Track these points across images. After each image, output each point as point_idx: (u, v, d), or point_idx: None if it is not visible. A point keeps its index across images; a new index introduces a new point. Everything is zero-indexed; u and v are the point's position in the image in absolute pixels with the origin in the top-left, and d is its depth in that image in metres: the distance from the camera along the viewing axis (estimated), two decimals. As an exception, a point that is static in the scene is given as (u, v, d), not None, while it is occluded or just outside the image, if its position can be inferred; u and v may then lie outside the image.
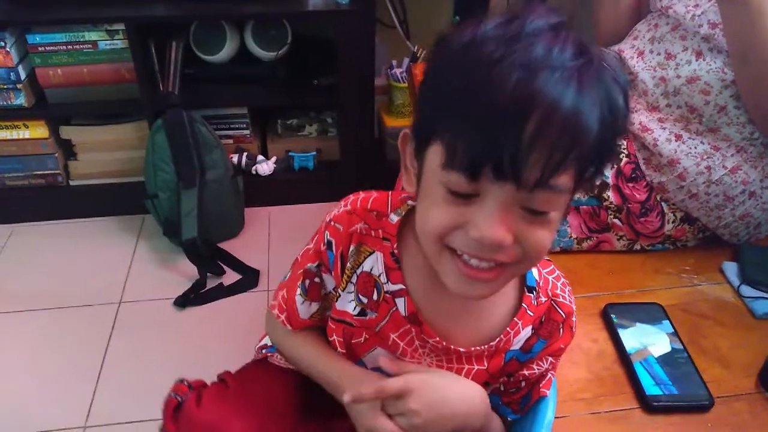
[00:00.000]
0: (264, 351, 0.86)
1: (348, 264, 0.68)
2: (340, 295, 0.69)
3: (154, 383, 1.42)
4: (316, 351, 0.74)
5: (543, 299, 0.68)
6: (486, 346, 0.66)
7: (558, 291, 0.69)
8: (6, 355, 1.50)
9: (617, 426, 0.82)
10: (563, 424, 0.81)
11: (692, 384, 0.86)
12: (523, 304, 0.66)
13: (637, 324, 0.95)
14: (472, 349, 0.67)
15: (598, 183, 1.04)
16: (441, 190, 0.52)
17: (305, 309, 0.73)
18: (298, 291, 0.73)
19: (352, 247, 0.67)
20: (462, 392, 0.66)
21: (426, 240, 0.56)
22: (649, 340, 0.92)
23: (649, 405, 0.83)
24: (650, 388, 0.85)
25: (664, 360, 0.89)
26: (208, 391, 0.76)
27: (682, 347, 0.91)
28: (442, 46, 0.53)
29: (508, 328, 0.66)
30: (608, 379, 0.88)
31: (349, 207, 0.68)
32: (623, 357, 0.90)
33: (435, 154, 0.52)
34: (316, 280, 0.72)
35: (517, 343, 0.67)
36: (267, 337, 0.88)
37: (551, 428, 0.72)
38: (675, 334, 0.93)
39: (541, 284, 0.68)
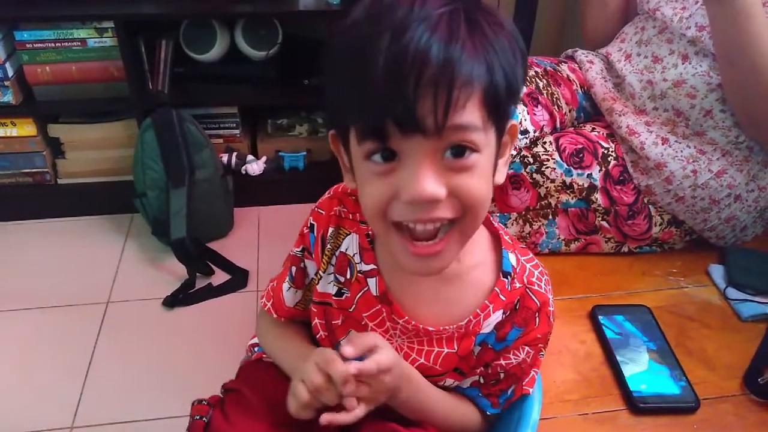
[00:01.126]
0: (256, 349, 0.87)
1: (328, 245, 0.71)
2: (321, 277, 0.72)
3: (142, 383, 1.42)
4: (296, 345, 0.76)
5: (517, 285, 0.69)
6: (455, 326, 0.68)
7: (534, 279, 0.70)
8: (-8, 354, 1.49)
9: (604, 427, 0.83)
10: (550, 425, 0.82)
11: (678, 385, 0.87)
12: (496, 288, 0.68)
13: (625, 325, 0.96)
14: (441, 329, 0.68)
15: (585, 186, 1.05)
16: (367, 167, 0.55)
17: (291, 296, 0.77)
18: (287, 278, 0.76)
19: (331, 229, 0.70)
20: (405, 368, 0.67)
21: (373, 223, 0.59)
22: (636, 342, 0.93)
23: (635, 406, 0.84)
24: (637, 390, 0.86)
25: (651, 362, 0.90)
26: (230, 405, 0.75)
27: (668, 349, 0.92)
28: (332, 40, 0.57)
29: (478, 310, 0.67)
30: (595, 381, 0.89)
31: (331, 193, 0.72)
32: (610, 358, 0.91)
33: (353, 136, 0.55)
34: (302, 266, 0.75)
35: (488, 326, 0.68)
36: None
37: (536, 428, 0.72)
38: (662, 335, 0.94)
39: (517, 270, 0.69)
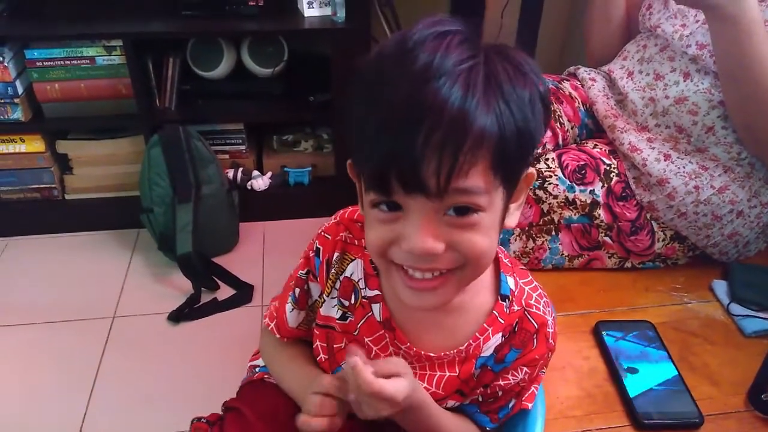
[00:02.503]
0: (257, 370, 0.87)
1: (333, 270, 0.71)
2: (325, 301, 0.72)
3: (147, 398, 1.43)
4: (299, 367, 0.77)
5: (516, 308, 0.69)
6: (455, 351, 0.68)
7: (532, 302, 0.70)
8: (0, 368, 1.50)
9: (608, 444, 0.83)
10: (554, 441, 0.82)
11: (682, 402, 0.87)
12: (494, 312, 0.68)
13: (628, 341, 0.96)
14: (443, 354, 0.68)
15: (588, 202, 1.05)
16: (372, 212, 0.56)
17: (294, 317, 0.77)
18: (289, 299, 0.76)
19: (336, 254, 0.71)
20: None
21: (375, 258, 0.60)
22: (639, 358, 0.93)
23: (639, 423, 0.84)
24: (641, 406, 0.85)
25: (655, 378, 0.90)
26: (229, 424, 0.76)
27: (672, 365, 0.92)
28: (355, 79, 0.55)
29: (477, 333, 0.68)
30: (599, 397, 0.89)
31: (337, 219, 0.73)
32: (614, 374, 0.91)
33: (364, 179, 0.55)
34: (306, 287, 0.75)
35: (487, 350, 0.69)
36: (260, 356, 0.89)
37: (540, 445, 0.73)
38: (665, 351, 0.94)
39: (515, 293, 0.69)
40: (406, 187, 0.51)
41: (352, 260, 0.70)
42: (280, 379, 0.80)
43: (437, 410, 0.70)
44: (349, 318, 0.71)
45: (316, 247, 0.72)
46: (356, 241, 0.70)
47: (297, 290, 0.76)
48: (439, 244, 0.53)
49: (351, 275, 0.70)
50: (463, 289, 0.61)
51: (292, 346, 0.80)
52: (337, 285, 0.71)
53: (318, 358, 0.75)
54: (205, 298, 1.69)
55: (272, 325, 0.79)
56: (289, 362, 0.79)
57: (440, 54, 0.49)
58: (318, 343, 0.75)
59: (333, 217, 0.74)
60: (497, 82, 0.50)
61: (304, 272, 0.74)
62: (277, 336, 0.79)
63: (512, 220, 0.60)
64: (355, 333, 0.71)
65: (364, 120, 0.52)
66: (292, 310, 0.76)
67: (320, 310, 0.73)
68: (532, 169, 0.59)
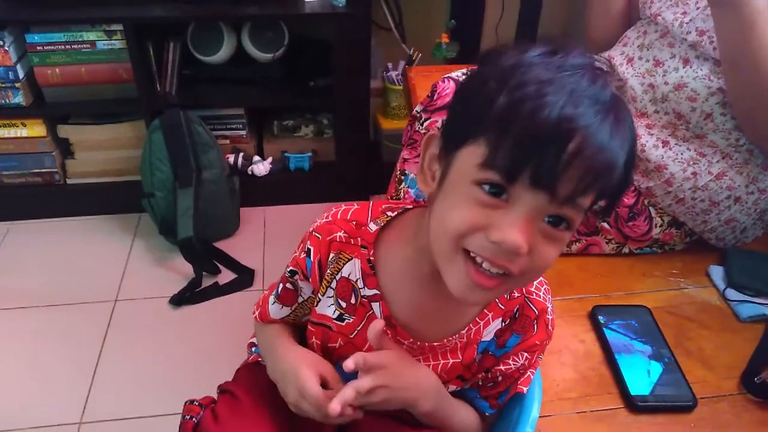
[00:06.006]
0: (254, 350, 0.88)
1: (328, 270, 0.71)
2: (320, 300, 0.73)
3: (149, 380, 1.44)
4: (279, 340, 0.78)
5: (516, 294, 0.70)
6: (457, 336, 0.70)
7: (533, 289, 0.71)
8: (2, 351, 1.51)
9: (602, 425, 0.84)
10: (549, 422, 0.83)
11: (676, 385, 0.88)
12: (495, 298, 0.69)
13: (625, 326, 0.97)
14: (445, 341, 0.70)
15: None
16: (470, 190, 0.54)
17: (275, 310, 0.79)
18: (274, 292, 0.78)
19: (331, 255, 0.71)
20: (414, 378, 0.69)
21: (441, 238, 0.58)
22: (635, 342, 0.94)
23: (634, 405, 0.85)
24: (635, 389, 0.87)
25: (650, 361, 0.91)
26: (221, 406, 0.77)
27: (667, 349, 0.93)
28: (487, 61, 0.57)
29: (477, 318, 0.69)
30: (594, 379, 0.90)
31: (330, 218, 0.72)
32: (610, 358, 0.92)
33: (471, 154, 0.54)
34: (288, 286, 0.76)
35: (488, 334, 0.70)
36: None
37: (536, 426, 0.74)
38: (661, 335, 0.95)
39: None
40: (537, 184, 0.51)
41: (349, 260, 0.70)
42: (265, 357, 0.81)
43: (451, 399, 0.74)
44: (347, 320, 0.71)
45: (307, 248, 0.72)
46: (352, 241, 0.70)
47: (280, 286, 0.77)
48: (526, 246, 0.54)
49: (349, 275, 0.70)
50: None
51: (276, 326, 0.81)
52: (333, 285, 0.71)
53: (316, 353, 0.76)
54: (206, 282, 1.71)
55: (256, 313, 0.82)
56: (271, 341, 0.80)
57: (600, 84, 0.53)
58: (313, 339, 0.76)
59: (324, 215, 0.73)
60: (630, 124, 0.55)
61: (290, 270, 0.75)
62: (259, 321, 0.82)
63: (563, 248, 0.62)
64: (352, 335, 0.72)
65: (504, 107, 0.52)
66: (274, 303, 0.78)
67: (315, 308, 0.74)
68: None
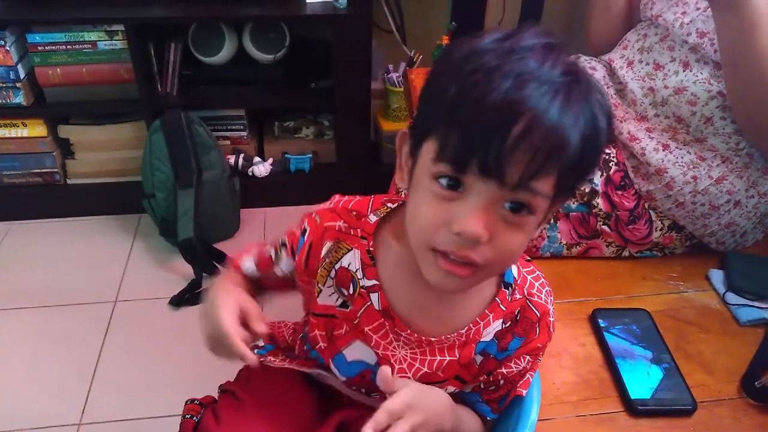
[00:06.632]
0: (257, 352, 0.88)
1: (327, 260, 0.71)
2: (321, 291, 0.73)
3: (148, 381, 1.44)
4: (224, 281, 0.79)
5: (518, 296, 0.70)
6: (456, 334, 0.69)
7: (534, 291, 0.71)
8: (2, 352, 1.51)
9: (602, 429, 0.84)
10: (549, 426, 0.83)
11: (676, 389, 0.88)
12: (497, 299, 0.69)
13: (624, 329, 0.97)
14: (443, 338, 0.70)
15: (587, 191, 1.06)
16: (430, 185, 0.56)
17: (248, 265, 0.80)
18: (255, 251, 0.80)
19: (330, 243, 0.71)
20: (434, 398, 0.69)
21: (412, 236, 0.60)
22: (635, 345, 0.94)
23: (634, 409, 0.85)
24: (635, 392, 0.87)
25: (650, 365, 0.91)
26: (222, 407, 0.77)
27: (667, 352, 0.93)
28: (444, 55, 0.58)
29: (478, 318, 0.69)
30: (594, 383, 0.90)
31: (332, 205, 0.73)
32: (610, 361, 0.92)
33: (428, 149, 0.55)
34: (272, 253, 0.78)
35: (487, 335, 0.70)
36: (261, 338, 0.90)
37: (534, 429, 0.74)
38: (661, 339, 0.95)
39: (518, 282, 0.71)
40: (485, 172, 0.51)
41: (349, 250, 0.70)
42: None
43: (458, 409, 0.74)
44: (350, 306, 0.72)
45: (304, 227, 0.73)
46: (352, 231, 0.70)
47: (265, 248, 0.79)
48: (486, 233, 0.54)
49: (348, 265, 0.70)
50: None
51: (238, 275, 0.81)
52: (332, 274, 0.71)
53: (317, 347, 0.76)
54: (207, 283, 1.71)
55: (234, 257, 0.82)
56: (223, 280, 0.80)
57: (549, 63, 0.52)
58: (316, 332, 0.75)
59: (329, 201, 0.74)
60: (589, 102, 0.53)
61: (281, 242, 0.77)
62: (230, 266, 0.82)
63: (535, 233, 0.61)
64: (356, 321, 0.72)
65: (459, 102, 0.52)
66: (251, 259, 0.80)
67: (317, 299, 0.73)
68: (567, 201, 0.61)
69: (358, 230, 0.70)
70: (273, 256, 0.77)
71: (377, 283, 0.69)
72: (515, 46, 0.52)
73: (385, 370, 0.65)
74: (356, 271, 0.70)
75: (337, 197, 0.74)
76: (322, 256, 0.72)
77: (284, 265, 0.77)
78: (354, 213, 0.71)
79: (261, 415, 0.75)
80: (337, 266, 0.71)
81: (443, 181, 0.54)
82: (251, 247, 0.82)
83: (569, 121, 0.51)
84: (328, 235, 0.71)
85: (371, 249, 0.69)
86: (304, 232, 0.73)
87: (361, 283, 0.70)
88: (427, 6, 2.02)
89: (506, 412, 0.78)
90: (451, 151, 0.53)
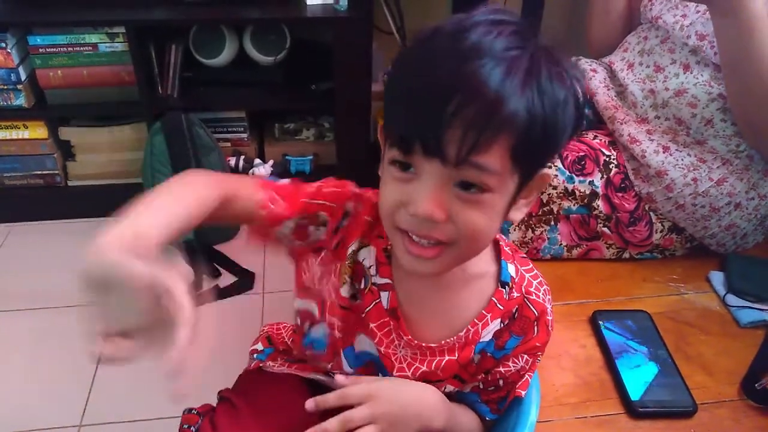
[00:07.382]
0: (255, 357, 0.88)
1: (349, 251, 0.71)
2: (346, 281, 0.71)
3: (149, 383, 1.43)
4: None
5: (515, 295, 0.70)
6: (455, 338, 0.70)
7: (532, 289, 0.71)
8: (2, 353, 1.51)
9: (602, 431, 0.84)
10: (549, 428, 0.83)
11: (677, 390, 0.88)
12: (494, 298, 0.69)
13: (625, 331, 0.97)
14: (443, 342, 0.70)
15: (587, 193, 1.06)
16: (389, 170, 0.58)
17: (287, 227, 0.69)
18: (295, 216, 0.69)
19: (357, 242, 0.71)
20: (416, 393, 0.70)
21: (384, 219, 0.61)
22: (635, 347, 0.94)
23: (634, 410, 0.85)
24: (636, 394, 0.87)
25: (650, 367, 0.91)
26: (219, 415, 0.77)
27: (667, 354, 0.93)
28: (405, 47, 0.60)
29: (476, 320, 0.69)
30: (595, 385, 0.90)
31: (372, 198, 0.70)
32: (610, 363, 0.92)
33: (387, 136, 0.58)
34: (310, 227, 0.70)
35: (486, 335, 0.70)
36: (260, 341, 0.90)
37: (534, 430, 0.74)
38: (661, 341, 0.95)
39: (516, 280, 0.70)
40: (426, 151, 0.53)
41: (365, 246, 0.71)
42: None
43: (457, 409, 0.74)
44: (358, 300, 0.72)
45: (346, 210, 0.69)
46: (373, 228, 0.71)
47: (307, 217, 0.69)
48: (442, 213, 0.55)
49: (363, 260, 0.71)
50: (462, 264, 0.64)
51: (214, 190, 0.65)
52: (351, 266, 0.72)
53: (334, 334, 0.74)
54: (207, 285, 1.71)
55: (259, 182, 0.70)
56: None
57: (491, 38, 0.51)
58: (336, 321, 0.74)
59: (373, 192, 0.69)
60: (537, 74, 0.52)
61: (326, 213, 0.69)
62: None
63: (518, 215, 0.61)
64: (363, 315, 0.72)
65: (404, 84, 0.54)
66: (288, 225, 0.69)
67: (340, 290, 0.72)
68: (549, 171, 0.61)
69: (379, 228, 0.70)
70: (307, 225, 0.70)
71: (390, 281, 0.70)
72: (464, 26, 0.53)
73: (339, 378, 0.68)
74: (370, 267, 0.70)
75: (369, 191, 0.71)
76: (348, 251, 0.70)
77: (314, 236, 0.71)
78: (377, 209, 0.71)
79: (259, 423, 0.75)
80: (355, 259, 0.71)
81: (398, 165, 0.56)
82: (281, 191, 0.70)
83: (508, 93, 0.50)
84: (361, 230, 0.70)
85: (389, 247, 0.69)
86: (346, 214, 0.70)
87: (373, 279, 0.70)
88: (428, 7, 2.02)
89: (505, 413, 0.78)
90: (396, 135, 0.55)
